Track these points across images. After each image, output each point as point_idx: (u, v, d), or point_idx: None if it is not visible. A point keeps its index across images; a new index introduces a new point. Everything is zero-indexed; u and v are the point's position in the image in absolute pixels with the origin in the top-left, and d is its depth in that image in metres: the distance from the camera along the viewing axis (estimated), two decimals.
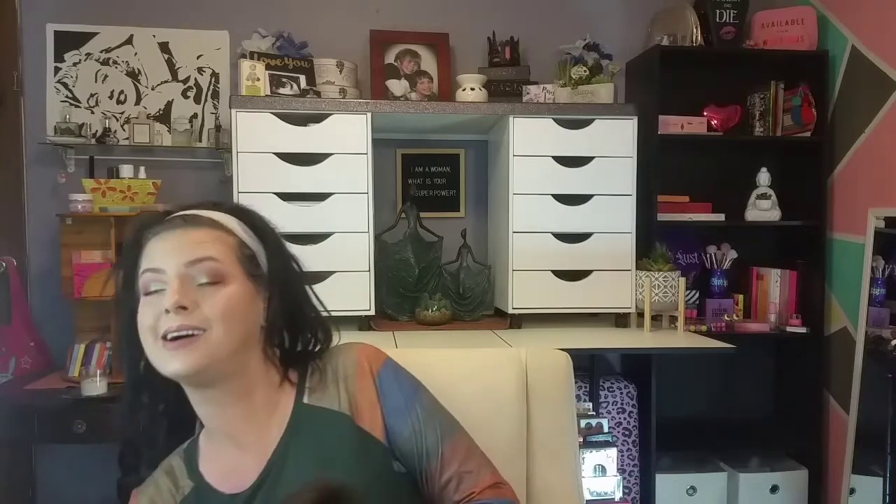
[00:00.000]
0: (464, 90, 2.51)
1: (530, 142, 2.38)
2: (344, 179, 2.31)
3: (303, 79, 2.52)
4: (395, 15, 2.79)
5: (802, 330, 2.67)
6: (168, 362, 0.84)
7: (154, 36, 2.70)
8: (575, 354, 1.24)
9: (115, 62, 2.69)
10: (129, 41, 2.69)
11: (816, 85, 2.66)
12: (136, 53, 2.69)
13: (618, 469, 2.18)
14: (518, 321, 2.43)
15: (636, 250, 2.44)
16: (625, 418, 2.63)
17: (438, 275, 2.59)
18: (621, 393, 2.64)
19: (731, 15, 2.69)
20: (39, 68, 2.64)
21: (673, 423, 2.63)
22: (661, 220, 2.62)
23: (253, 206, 0.99)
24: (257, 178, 2.26)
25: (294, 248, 1.00)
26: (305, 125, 2.30)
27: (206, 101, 2.73)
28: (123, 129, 2.67)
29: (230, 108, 2.28)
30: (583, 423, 2.17)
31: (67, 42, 2.65)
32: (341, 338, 1.01)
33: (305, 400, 0.93)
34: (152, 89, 2.71)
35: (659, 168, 2.60)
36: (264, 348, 0.93)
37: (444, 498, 0.92)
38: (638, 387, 2.66)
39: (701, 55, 2.76)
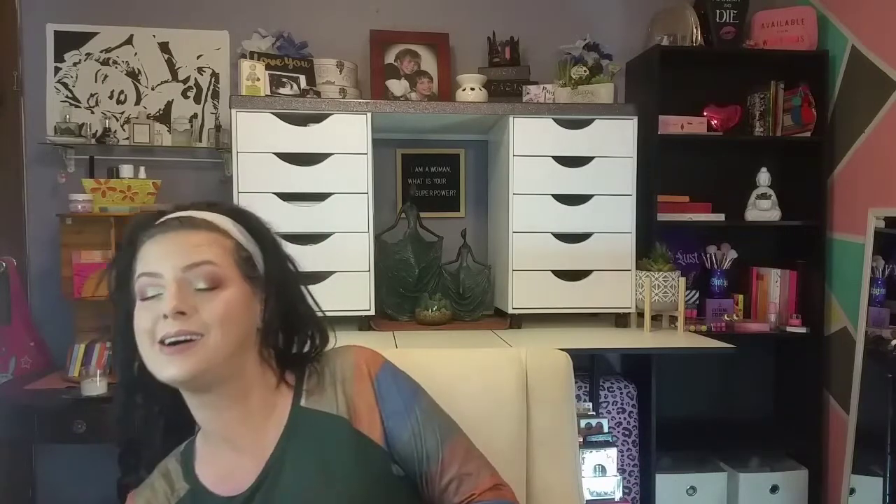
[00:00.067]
0: (464, 90, 2.51)
1: (530, 142, 2.38)
2: (344, 179, 2.31)
3: (303, 79, 2.52)
4: (395, 15, 2.79)
5: (802, 330, 2.67)
6: (165, 367, 0.83)
7: (154, 36, 2.70)
8: (575, 354, 1.24)
9: (115, 62, 2.69)
10: (129, 41, 2.69)
11: (816, 85, 2.66)
12: (136, 53, 2.69)
13: (618, 469, 2.18)
14: (518, 321, 2.43)
15: (636, 250, 2.43)
16: (625, 418, 2.63)
17: (438, 275, 2.59)
18: (621, 393, 2.64)
19: (731, 15, 2.69)
20: (39, 68, 2.64)
21: (673, 423, 2.63)
22: (661, 220, 2.62)
23: (249, 206, 0.98)
24: (257, 178, 2.26)
25: (293, 249, 1.00)
26: (305, 125, 2.30)
27: (206, 101, 2.73)
28: (123, 129, 2.67)
29: (230, 108, 2.28)
30: (583, 423, 2.17)
31: (67, 42, 2.65)
32: (338, 338, 1.00)
33: (303, 403, 0.93)
34: (152, 89, 2.71)
35: (659, 168, 2.60)
36: (260, 350, 0.93)
37: (444, 500, 0.92)
38: (638, 387, 2.66)
39: (701, 55, 2.76)
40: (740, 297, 2.81)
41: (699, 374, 2.91)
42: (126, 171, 2.51)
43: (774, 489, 2.66)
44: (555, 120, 2.39)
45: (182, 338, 0.83)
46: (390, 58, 2.72)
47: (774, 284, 2.75)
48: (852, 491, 2.44)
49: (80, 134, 2.59)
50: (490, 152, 2.79)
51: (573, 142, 2.39)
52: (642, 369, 2.63)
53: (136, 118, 2.66)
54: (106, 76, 2.68)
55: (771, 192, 2.74)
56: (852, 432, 2.45)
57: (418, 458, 0.92)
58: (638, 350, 2.34)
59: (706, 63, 2.86)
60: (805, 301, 2.73)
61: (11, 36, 2.61)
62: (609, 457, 2.15)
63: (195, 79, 2.73)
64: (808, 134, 2.67)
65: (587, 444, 2.14)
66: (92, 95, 2.67)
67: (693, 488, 2.64)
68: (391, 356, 1.02)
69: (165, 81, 2.71)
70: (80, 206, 2.42)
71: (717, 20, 2.69)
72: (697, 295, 2.80)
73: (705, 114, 2.77)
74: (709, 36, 2.70)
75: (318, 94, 2.49)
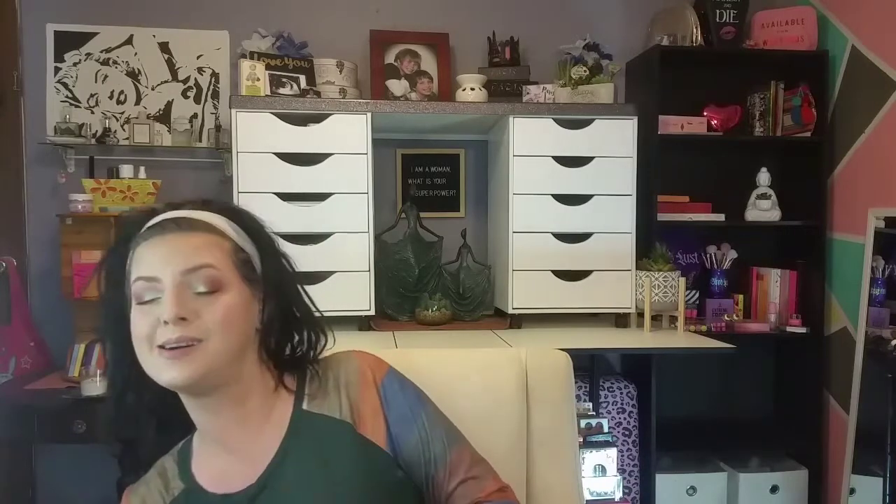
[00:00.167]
0: (464, 90, 2.51)
1: (530, 142, 2.38)
2: (344, 179, 2.31)
3: (303, 79, 2.52)
4: (395, 15, 2.79)
5: (802, 330, 2.67)
6: (165, 372, 0.82)
7: (154, 36, 2.70)
8: (575, 354, 1.24)
9: (115, 62, 2.69)
10: (129, 41, 2.69)
11: (816, 85, 2.66)
12: (136, 53, 2.69)
13: (618, 469, 2.18)
14: (518, 321, 2.43)
15: (636, 250, 2.43)
16: (625, 418, 2.63)
17: (438, 275, 2.59)
18: (621, 393, 2.64)
19: (731, 15, 2.69)
20: (39, 68, 2.64)
21: (673, 423, 2.62)
22: (661, 220, 2.62)
23: (245, 205, 0.97)
24: (257, 178, 2.26)
25: (293, 248, 0.99)
26: (305, 125, 2.30)
27: (206, 101, 2.73)
28: (123, 129, 2.67)
29: (230, 108, 2.28)
30: (583, 423, 2.17)
31: (67, 42, 2.65)
32: (336, 339, 0.99)
33: (305, 406, 0.92)
34: (152, 89, 2.71)
35: (659, 168, 2.60)
36: (259, 352, 0.92)
37: None
38: (638, 387, 2.66)
39: (701, 55, 2.76)
40: (740, 297, 2.81)
41: (699, 374, 2.91)
42: (126, 171, 2.51)
43: (774, 489, 2.66)
44: (555, 120, 2.39)
45: (183, 343, 0.82)
46: (390, 58, 2.72)
47: (774, 284, 2.75)
48: (852, 491, 2.44)
49: (80, 134, 2.59)
50: (490, 152, 2.79)
51: (573, 142, 2.39)
52: (642, 369, 2.63)
53: (136, 118, 2.66)
54: (106, 76, 2.68)
55: (771, 192, 2.74)
56: (852, 432, 2.45)
57: (425, 462, 0.92)
58: (638, 350, 2.34)
59: (706, 63, 2.86)
60: (805, 301, 2.73)
61: (11, 36, 2.61)
62: (609, 457, 2.15)
63: (195, 79, 2.73)
64: (808, 134, 2.67)
65: (587, 444, 2.14)
66: (92, 95, 2.67)
67: (693, 488, 2.64)
68: (391, 356, 1.02)
69: (165, 81, 2.71)
70: (80, 206, 2.42)
71: (717, 20, 2.69)
72: (697, 295, 2.80)
73: (705, 114, 2.77)
74: (709, 36, 2.70)
75: (318, 94, 2.49)
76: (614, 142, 2.40)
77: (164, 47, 2.71)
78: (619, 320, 2.50)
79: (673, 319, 2.42)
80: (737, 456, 2.76)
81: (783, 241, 2.90)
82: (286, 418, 0.91)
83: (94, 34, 2.67)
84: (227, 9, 2.72)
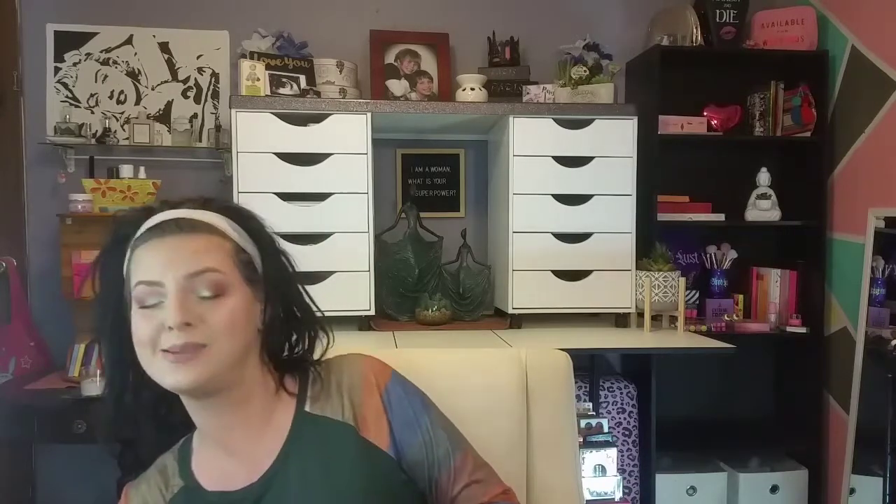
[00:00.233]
0: (464, 90, 2.51)
1: (530, 142, 2.38)
2: (344, 179, 2.31)
3: (303, 79, 2.52)
4: (395, 15, 2.79)
5: (802, 330, 2.67)
6: (169, 375, 0.82)
7: (154, 36, 2.70)
8: (575, 354, 1.24)
9: (115, 62, 2.69)
10: (129, 41, 2.69)
11: (816, 85, 2.66)
12: (136, 53, 2.69)
13: (618, 469, 2.17)
14: (518, 321, 2.43)
15: (636, 250, 2.43)
16: (625, 418, 2.63)
17: (438, 275, 2.59)
18: (621, 393, 2.64)
19: (731, 15, 2.69)
20: (39, 68, 2.64)
21: (673, 423, 2.62)
22: (661, 220, 2.62)
23: (245, 204, 0.95)
24: (257, 178, 2.26)
25: (293, 248, 0.98)
26: (305, 125, 2.30)
27: (206, 101, 2.73)
28: (123, 129, 2.67)
29: (230, 108, 2.28)
30: (583, 423, 2.17)
31: (67, 42, 2.65)
32: (335, 339, 0.98)
33: (307, 408, 0.92)
34: (152, 89, 2.71)
35: (659, 168, 2.60)
36: (261, 354, 0.91)
37: None
38: (638, 387, 2.66)
39: (701, 55, 2.76)
40: (740, 297, 2.81)
41: (699, 374, 2.91)
42: (126, 171, 2.51)
43: (774, 489, 2.66)
44: (555, 120, 2.39)
45: (188, 349, 0.81)
46: (390, 58, 2.72)
47: (774, 284, 2.75)
48: (852, 491, 2.44)
49: (80, 134, 2.59)
50: (490, 152, 2.79)
51: (573, 142, 2.39)
52: (642, 369, 2.63)
53: (136, 118, 2.66)
54: (106, 76, 2.68)
55: (771, 192, 2.74)
56: (852, 432, 2.45)
57: (429, 465, 0.92)
58: (638, 350, 2.34)
59: (706, 63, 2.85)
60: (805, 301, 2.73)
61: (11, 36, 2.61)
62: (609, 457, 2.15)
63: (195, 79, 2.73)
64: (808, 134, 2.67)
65: (587, 444, 2.14)
66: (92, 95, 2.67)
67: (693, 488, 2.64)
68: (391, 356, 1.02)
69: (165, 81, 2.71)
70: (80, 206, 2.42)
71: (717, 20, 2.69)
72: (697, 295, 2.80)
73: (705, 114, 2.77)
74: (709, 36, 2.70)
75: (318, 94, 2.49)
76: (614, 142, 2.40)
77: (164, 47, 2.71)
78: (619, 320, 2.50)
79: (673, 319, 2.42)
80: (737, 456, 2.76)
81: (783, 241, 2.90)
82: (288, 421, 0.91)
83: (93, 34, 2.67)
84: (227, 9, 2.72)
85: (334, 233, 2.31)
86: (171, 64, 2.72)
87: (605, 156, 2.41)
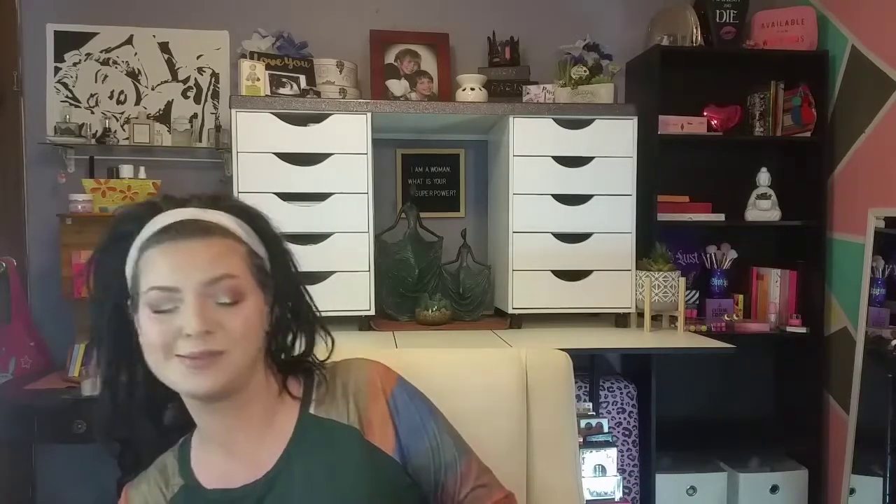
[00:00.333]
0: (464, 90, 2.51)
1: (530, 142, 2.38)
2: (344, 179, 2.31)
3: (303, 79, 2.52)
4: (395, 15, 2.79)
5: (802, 330, 2.67)
6: (186, 381, 0.81)
7: (154, 36, 2.70)
8: (575, 354, 1.24)
9: (115, 62, 2.69)
10: (129, 41, 2.69)
11: (816, 85, 2.66)
12: (136, 53, 2.69)
13: (618, 469, 2.18)
14: (518, 321, 2.43)
15: (636, 250, 2.44)
16: (625, 418, 2.63)
17: (438, 275, 2.59)
18: (621, 393, 2.64)
19: (731, 15, 2.69)
20: (39, 68, 2.64)
21: (673, 423, 2.62)
22: (661, 220, 2.62)
23: (254, 204, 0.94)
24: (257, 178, 2.26)
25: (292, 248, 0.96)
26: (305, 125, 2.30)
27: (206, 101, 2.73)
28: (123, 129, 2.67)
29: (230, 108, 2.28)
30: (583, 423, 2.17)
31: (67, 42, 2.65)
32: (335, 339, 0.98)
33: (312, 411, 0.92)
34: (152, 89, 2.71)
35: (659, 168, 2.60)
36: (266, 356, 0.91)
37: None
38: (638, 387, 2.66)
39: (701, 55, 2.76)
40: (740, 297, 2.81)
41: (699, 374, 2.91)
42: (126, 171, 2.51)
43: (774, 489, 2.66)
44: (555, 120, 2.39)
45: (206, 356, 0.80)
46: (390, 58, 2.72)
47: (774, 284, 2.75)
48: (852, 491, 2.44)
49: (80, 134, 2.59)
50: (490, 152, 2.79)
51: (573, 142, 2.39)
52: (642, 369, 2.63)
53: (136, 118, 2.66)
54: (106, 76, 2.68)
55: (771, 192, 2.74)
56: (852, 432, 2.45)
57: (435, 469, 0.92)
58: (638, 350, 2.34)
59: (706, 63, 2.86)
60: (805, 301, 2.73)
61: (11, 36, 2.61)
62: (609, 457, 2.15)
63: (195, 79, 2.73)
64: (808, 134, 2.67)
65: (587, 444, 2.14)
66: (92, 95, 2.67)
67: (693, 488, 2.64)
68: (391, 356, 1.02)
69: (165, 81, 2.71)
70: (80, 206, 2.42)
71: (717, 20, 2.69)
72: (697, 295, 2.80)
73: (705, 114, 2.77)
74: (709, 36, 2.70)
75: (318, 94, 2.49)
76: (614, 142, 2.40)
77: (164, 47, 2.71)
78: (619, 320, 2.50)
79: (673, 319, 2.42)
80: (737, 456, 2.76)
81: (783, 241, 2.90)
82: (290, 423, 0.91)
83: (94, 34, 2.67)
84: (227, 9, 2.72)
85: (334, 233, 2.31)
86: (171, 64, 2.72)
87: (605, 156, 2.41)
